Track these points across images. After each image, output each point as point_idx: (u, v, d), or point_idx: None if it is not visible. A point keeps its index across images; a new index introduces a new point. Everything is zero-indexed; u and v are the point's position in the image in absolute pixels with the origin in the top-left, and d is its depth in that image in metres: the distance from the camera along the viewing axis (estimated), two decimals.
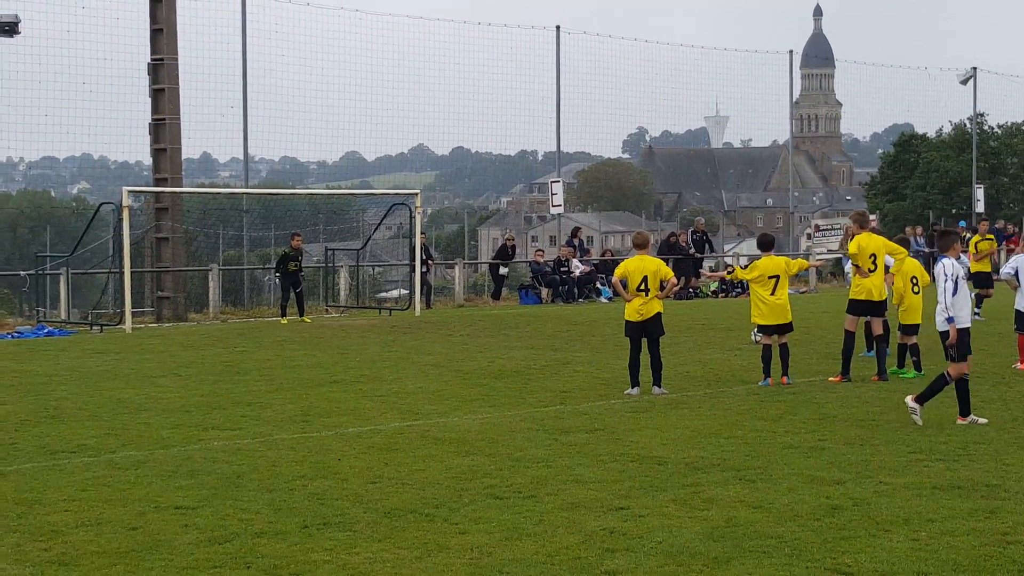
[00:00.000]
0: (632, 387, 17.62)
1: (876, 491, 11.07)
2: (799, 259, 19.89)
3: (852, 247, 18.88)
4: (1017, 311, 19.96)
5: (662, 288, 17.76)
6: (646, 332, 17.75)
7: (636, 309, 17.67)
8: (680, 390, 17.80)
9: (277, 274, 32.56)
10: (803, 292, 41.68)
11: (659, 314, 17.79)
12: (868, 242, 18.89)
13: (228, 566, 8.95)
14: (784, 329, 18.59)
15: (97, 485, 11.70)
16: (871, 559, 8.91)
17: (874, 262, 18.82)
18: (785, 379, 18.35)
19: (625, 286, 17.78)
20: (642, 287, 17.59)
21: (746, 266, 19.42)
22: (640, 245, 18.28)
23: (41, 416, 16.02)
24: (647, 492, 11.17)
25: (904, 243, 20.07)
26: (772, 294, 18.49)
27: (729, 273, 19.34)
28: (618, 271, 18.06)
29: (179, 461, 12.83)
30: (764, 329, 18.70)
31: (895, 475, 11.75)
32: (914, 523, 9.91)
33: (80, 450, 13.58)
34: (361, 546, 9.45)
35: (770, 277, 18.50)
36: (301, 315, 31.05)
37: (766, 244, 19.24)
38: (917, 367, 19.09)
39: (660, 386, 17.66)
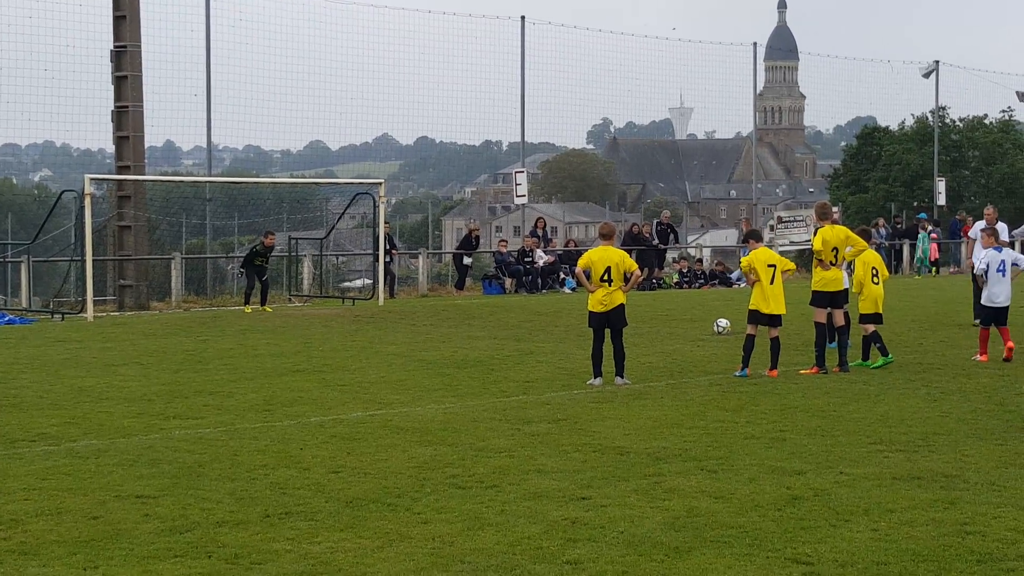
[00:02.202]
0: (595, 377, 17.63)
1: (836, 481, 11.13)
2: (790, 261, 19.84)
3: (816, 242, 18.96)
4: (981, 304, 20.10)
5: (627, 280, 17.76)
6: (609, 323, 17.75)
7: (599, 300, 17.66)
8: (642, 380, 17.84)
9: (242, 269, 32.57)
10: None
11: (622, 305, 17.79)
12: (831, 235, 18.99)
13: (189, 555, 8.93)
14: (776, 321, 18.52)
15: (57, 474, 11.64)
16: (831, 549, 8.96)
17: (836, 255, 18.92)
18: (775, 372, 18.30)
19: (589, 276, 17.77)
20: (605, 278, 17.59)
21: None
22: (606, 236, 18.28)
23: (1, 404, 15.92)
24: (609, 482, 11.20)
25: (866, 235, 20.18)
26: (771, 283, 18.45)
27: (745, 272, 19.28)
28: (581, 261, 18.04)
29: (140, 450, 12.78)
30: (757, 318, 18.53)
31: (855, 466, 11.81)
32: (874, 513, 9.97)
33: (40, 439, 13.51)
34: (323, 535, 9.44)
35: (769, 265, 18.48)
36: (263, 304, 30.96)
37: (758, 236, 19.46)
38: (884, 352, 19.13)
39: (623, 376, 17.69)
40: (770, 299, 18.38)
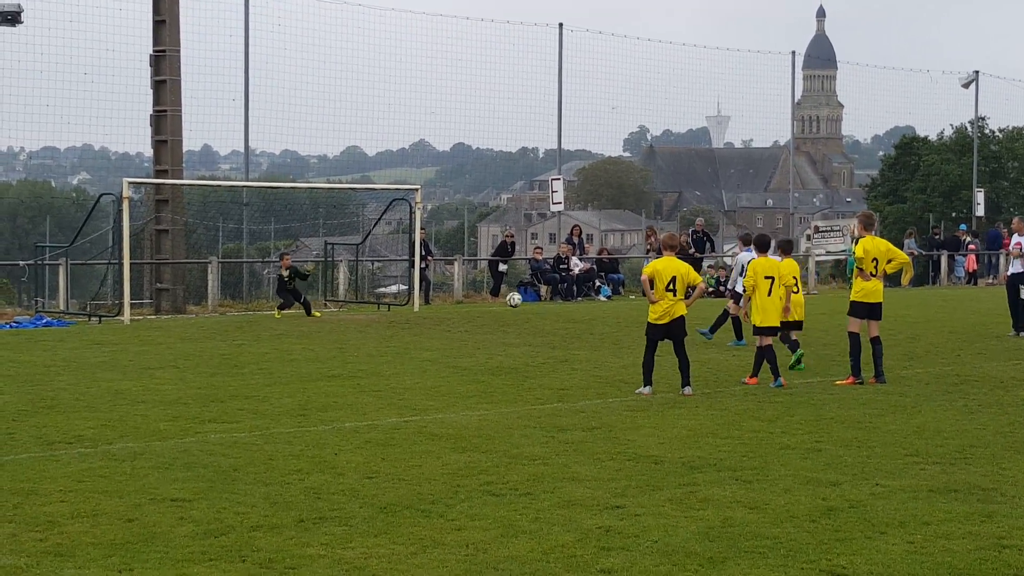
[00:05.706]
0: (644, 386, 17.44)
1: (872, 493, 11.08)
2: (790, 276, 19.67)
3: (858, 251, 18.89)
4: None
5: (688, 294, 17.69)
6: (670, 334, 17.62)
7: (662, 311, 17.49)
8: (677, 389, 17.78)
9: (278, 296, 32.44)
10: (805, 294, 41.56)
11: (683, 317, 17.64)
12: (871, 245, 18.90)
13: (223, 559, 8.96)
14: (770, 332, 18.54)
15: (93, 476, 11.69)
16: (866, 561, 8.92)
17: (876, 266, 18.84)
18: (755, 380, 18.39)
19: (653, 285, 17.58)
20: (670, 287, 17.45)
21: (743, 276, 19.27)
22: (671, 247, 18.14)
23: (38, 406, 16.02)
24: (643, 491, 11.17)
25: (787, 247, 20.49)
26: (768, 295, 18.47)
27: (749, 300, 19.25)
28: (647, 270, 17.82)
29: (176, 453, 12.83)
30: (758, 331, 18.62)
31: (891, 478, 11.75)
32: (910, 526, 9.91)
33: (77, 441, 13.58)
34: (357, 541, 9.45)
35: (765, 278, 18.48)
36: (308, 314, 30.74)
37: (762, 245, 19.19)
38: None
39: (690, 385, 17.54)
40: (761, 312, 18.44)
